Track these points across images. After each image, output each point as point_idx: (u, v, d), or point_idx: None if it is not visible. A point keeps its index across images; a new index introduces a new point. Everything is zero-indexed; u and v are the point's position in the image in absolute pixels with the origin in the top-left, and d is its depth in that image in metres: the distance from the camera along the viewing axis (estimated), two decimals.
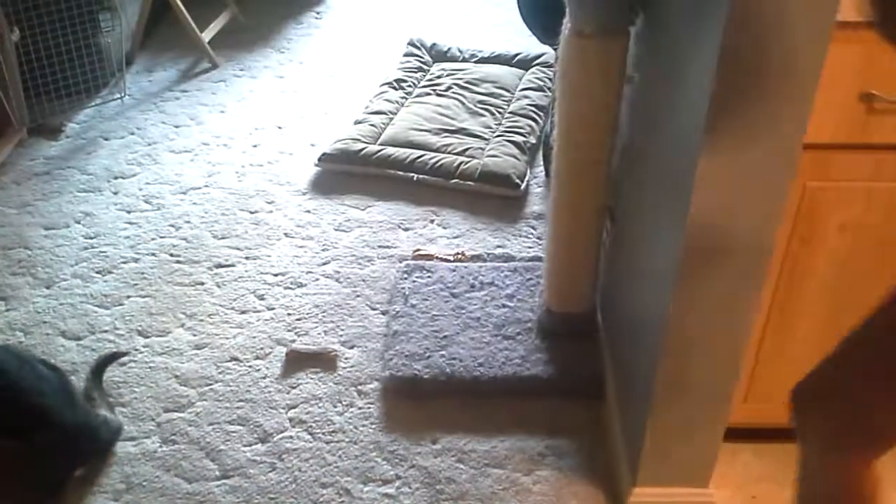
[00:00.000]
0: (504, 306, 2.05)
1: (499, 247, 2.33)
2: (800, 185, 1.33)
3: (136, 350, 1.99)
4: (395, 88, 3.00)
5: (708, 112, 1.14)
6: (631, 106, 1.69)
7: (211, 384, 1.90)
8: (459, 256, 2.27)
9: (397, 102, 2.92)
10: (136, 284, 2.20)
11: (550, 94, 2.88)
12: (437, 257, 2.26)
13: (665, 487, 1.55)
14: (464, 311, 2.04)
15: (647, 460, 1.52)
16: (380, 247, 2.34)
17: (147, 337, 2.04)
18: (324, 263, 2.28)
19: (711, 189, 1.22)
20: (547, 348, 1.92)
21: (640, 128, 1.66)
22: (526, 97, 2.93)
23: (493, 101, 2.92)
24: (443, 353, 1.91)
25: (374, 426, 1.79)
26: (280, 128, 2.91)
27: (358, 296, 2.16)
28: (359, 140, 2.69)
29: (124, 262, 2.27)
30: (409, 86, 3.04)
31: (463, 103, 2.90)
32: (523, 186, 2.53)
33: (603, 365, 1.86)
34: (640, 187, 1.65)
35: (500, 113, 2.86)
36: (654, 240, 1.50)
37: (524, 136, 2.71)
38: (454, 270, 2.18)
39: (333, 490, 1.66)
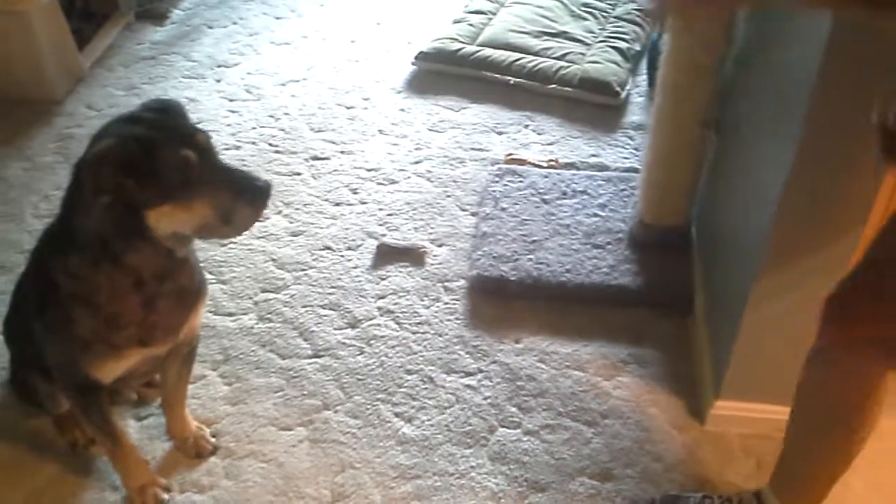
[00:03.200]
0: (595, 215, 2.04)
1: (593, 156, 2.29)
2: None
3: None
4: None
5: (829, 35, 1.09)
6: (751, 12, 1.60)
7: (305, 269, 1.97)
8: (552, 163, 2.24)
9: (497, 2, 2.85)
10: None
11: None
12: (529, 162, 2.24)
13: (747, 402, 1.56)
14: (554, 218, 2.04)
15: (732, 377, 1.52)
16: (472, 149, 2.33)
17: None
18: (416, 162, 2.29)
19: (825, 110, 1.17)
20: (637, 260, 1.91)
21: (757, 36, 1.58)
22: (633, 0, 2.81)
23: (597, 3, 2.81)
24: (530, 256, 1.92)
25: (458, 321, 1.84)
26: (378, 24, 2.89)
27: (448, 196, 2.18)
28: (456, 40, 2.65)
29: (226, 149, 2.34)
30: None
31: (565, 5, 2.80)
32: (623, 95, 2.45)
33: (693, 280, 1.84)
34: (751, 100, 1.58)
35: (604, 17, 2.76)
36: (762, 156, 1.44)
37: (628, 43, 2.61)
38: (546, 177, 2.17)
39: (418, 377, 1.72)
